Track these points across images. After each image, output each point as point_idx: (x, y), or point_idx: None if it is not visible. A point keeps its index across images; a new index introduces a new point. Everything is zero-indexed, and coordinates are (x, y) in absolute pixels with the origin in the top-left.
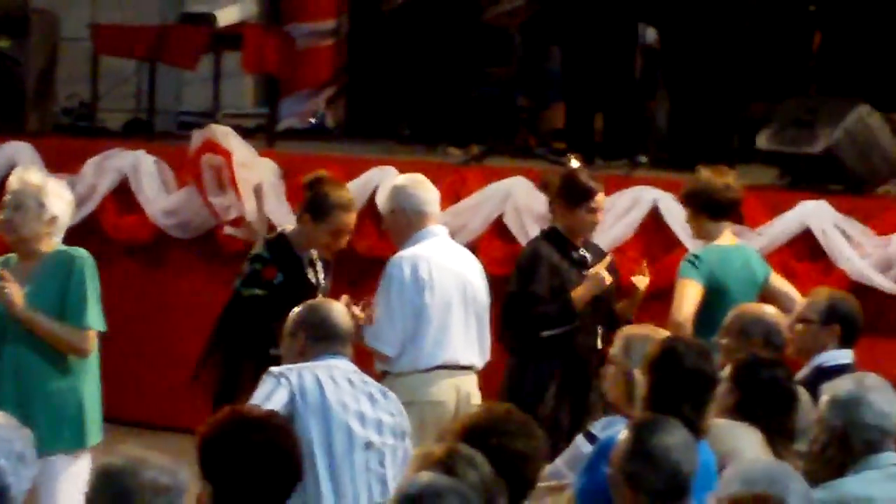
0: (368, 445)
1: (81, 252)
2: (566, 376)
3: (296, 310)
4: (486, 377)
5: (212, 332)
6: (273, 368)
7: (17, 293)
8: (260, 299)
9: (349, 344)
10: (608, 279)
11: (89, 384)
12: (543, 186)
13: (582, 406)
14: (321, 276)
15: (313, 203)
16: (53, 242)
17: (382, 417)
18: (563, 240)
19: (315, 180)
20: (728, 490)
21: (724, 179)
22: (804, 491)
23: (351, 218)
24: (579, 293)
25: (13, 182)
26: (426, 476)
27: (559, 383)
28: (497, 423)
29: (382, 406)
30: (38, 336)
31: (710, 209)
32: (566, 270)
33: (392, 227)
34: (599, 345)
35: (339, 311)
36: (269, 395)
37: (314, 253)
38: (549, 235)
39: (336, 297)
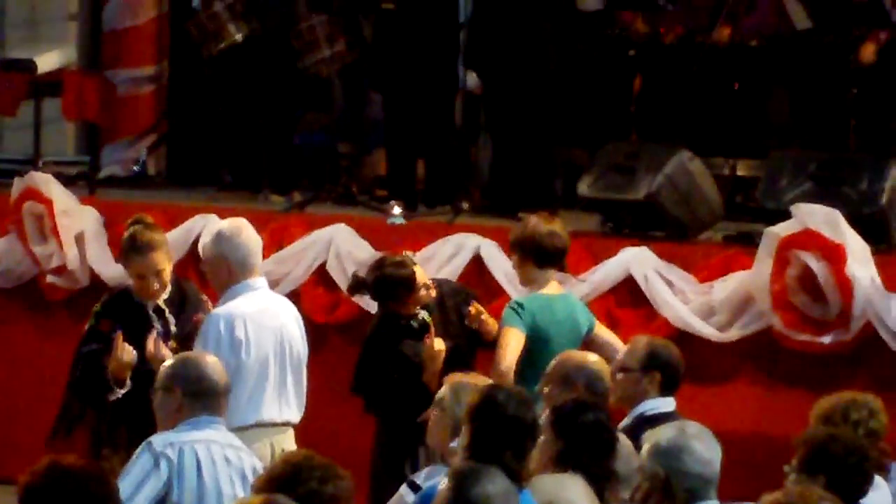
0: None
1: None
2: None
3: (168, 363)
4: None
5: (63, 394)
6: (155, 441)
7: None
8: (97, 353)
9: (226, 399)
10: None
11: None
12: (355, 291)
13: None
14: (171, 321)
15: (120, 248)
16: None
17: None
18: (396, 318)
19: (129, 224)
20: None
21: (551, 226)
22: None
23: (147, 260)
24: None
25: None
26: None
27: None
28: (301, 471)
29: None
30: None
31: (536, 256)
32: (411, 344)
33: (212, 273)
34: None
35: (214, 364)
36: (143, 480)
37: (162, 300)
38: (384, 320)
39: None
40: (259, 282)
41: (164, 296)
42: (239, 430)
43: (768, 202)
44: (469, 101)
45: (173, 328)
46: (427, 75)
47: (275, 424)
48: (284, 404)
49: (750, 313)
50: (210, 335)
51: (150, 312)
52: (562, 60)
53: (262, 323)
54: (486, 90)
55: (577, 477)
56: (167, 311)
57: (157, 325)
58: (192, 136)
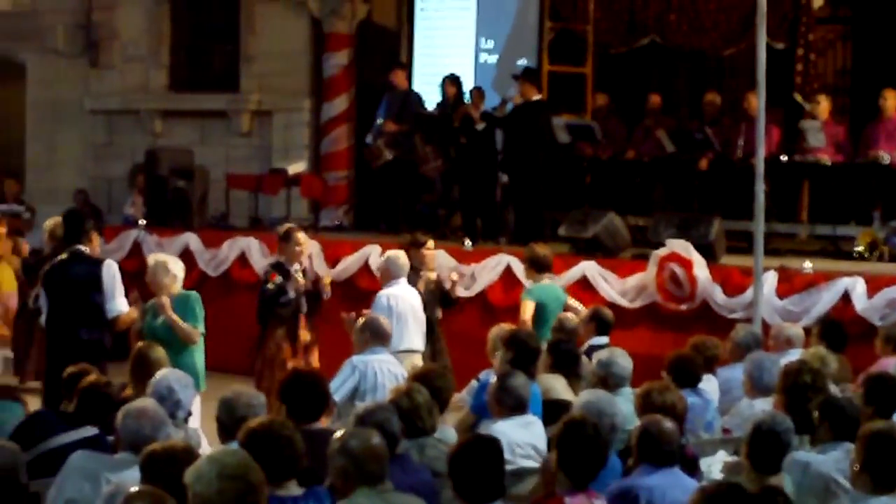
0: None
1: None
2: (429, 335)
3: (361, 320)
4: None
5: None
6: (353, 358)
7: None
8: (269, 289)
9: (389, 339)
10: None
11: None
12: (411, 244)
13: (437, 351)
14: (301, 276)
15: (281, 237)
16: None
17: None
18: (416, 270)
19: (284, 229)
20: (574, 412)
21: (544, 251)
22: (622, 412)
23: (294, 243)
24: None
25: None
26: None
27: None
28: (428, 374)
29: (401, 382)
30: (176, 330)
31: (536, 266)
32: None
33: (382, 275)
34: (440, 315)
35: (385, 321)
36: (346, 378)
37: (297, 266)
38: (411, 273)
39: (331, 314)
40: (402, 280)
41: (297, 266)
42: (395, 353)
43: (654, 238)
44: (504, 189)
45: (301, 278)
46: (482, 176)
47: (410, 350)
48: (417, 340)
49: (645, 293)
50: (379, 305)
51: (293, 270)
52: (548, 168)
53: (401, 297)
54: (511, 183)
55: (560, 376)
56: (299, 273)
57: (297, 275)
58: (365, 206)
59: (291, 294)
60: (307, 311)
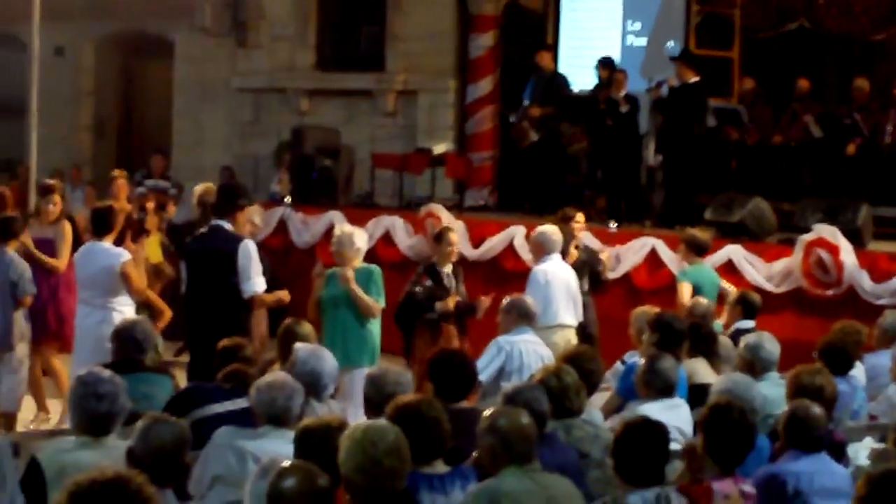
0: None
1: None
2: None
3: (509, 298)
4: None
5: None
6: (499, 339)
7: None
8: (417, 293)
9: (535, 320)
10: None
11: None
12: (561, 219)
13: (588, 337)
14: (453, 281)
15: (434, 238)
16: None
17: None
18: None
19: (438, 230)
20: (713, 399)
21: (703, 234)
22: (762, 395)
23: (446, 244)
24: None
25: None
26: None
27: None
28: (579, 354)
29: (546, 363)
30: (357, 302)
31: (695, 249)
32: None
33: (534, 250)
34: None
35: (530, 301)
36: (492, 359)
37: (448, 268)
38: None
39: (473, 294)
40: (555, 255)
41: (449, 268)
42: (549, 327)
43: (800, 223)
44: (649, 171)
45: (454, 284)
46: (626, 158)
47: (565, 325)
48: (569, 314)
49: (791, 278)
50: (534, 280)
51: (444, 273)
52: (699, 150)
53: (555, 273)
54: (665, 165)
55: (702, 359)
56: (450, 275)
57: (446, 282)
58: (510, 186)
59: (435, 315)
60: (457, 320)
